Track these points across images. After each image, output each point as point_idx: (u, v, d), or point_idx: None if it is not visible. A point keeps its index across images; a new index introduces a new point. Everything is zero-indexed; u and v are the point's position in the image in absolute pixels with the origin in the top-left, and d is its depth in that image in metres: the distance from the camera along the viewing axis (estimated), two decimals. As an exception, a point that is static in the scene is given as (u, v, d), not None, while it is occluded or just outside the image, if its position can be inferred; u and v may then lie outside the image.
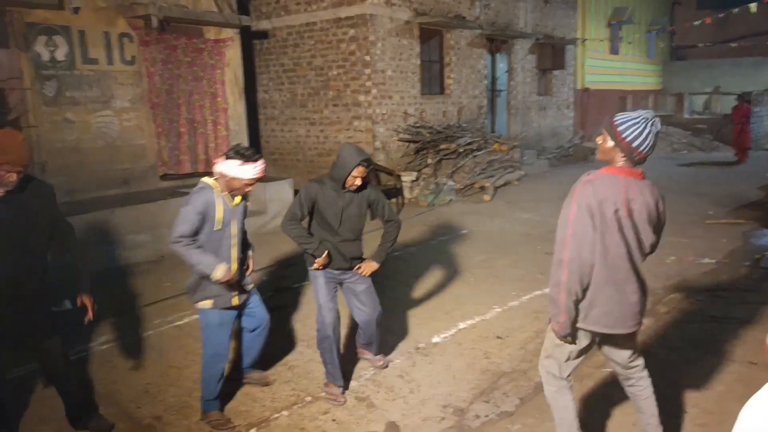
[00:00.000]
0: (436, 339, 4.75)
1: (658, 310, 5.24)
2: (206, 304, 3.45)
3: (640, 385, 2.97)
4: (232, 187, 3.36)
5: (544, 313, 5.31)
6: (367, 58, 10.44)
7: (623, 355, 2.91)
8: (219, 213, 3.35)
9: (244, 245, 3.68)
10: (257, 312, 3.76)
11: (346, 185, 3.66)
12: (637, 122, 2.59)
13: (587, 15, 18.33)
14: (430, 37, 12.03)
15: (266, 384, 4.02)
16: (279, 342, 4.70)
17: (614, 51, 20.05)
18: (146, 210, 7.34)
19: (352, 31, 10.52)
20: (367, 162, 3.60)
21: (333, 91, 11.01)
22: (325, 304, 3.78)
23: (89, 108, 7.72)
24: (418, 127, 11.39)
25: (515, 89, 15.06)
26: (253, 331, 3.80)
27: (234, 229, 3.46)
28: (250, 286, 3.69)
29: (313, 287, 3.87)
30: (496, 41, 14.05)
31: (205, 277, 3.33)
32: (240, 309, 3.64)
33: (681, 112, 21.87)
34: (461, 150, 11.04)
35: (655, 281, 6.06)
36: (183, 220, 3.28)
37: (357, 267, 3.86)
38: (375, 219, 4.00)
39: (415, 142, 11.21)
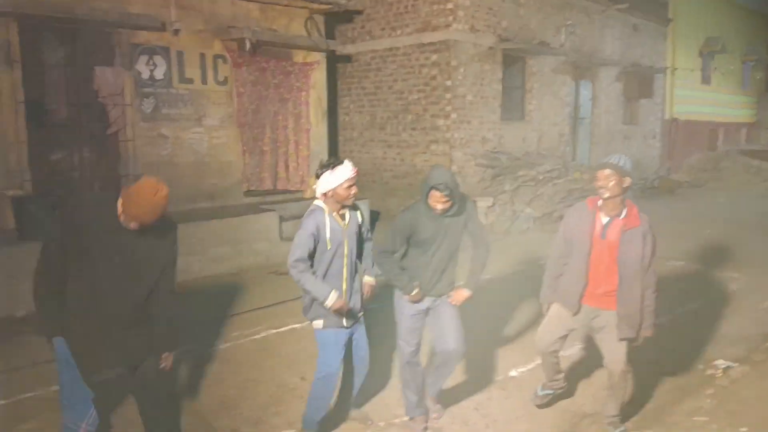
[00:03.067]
0: (513, 373, 4.60)
1: (753, 357, 4.88)
2: (318, 323, 3.47)
3: None
4: (340, 199, 3.38)
5: (631, 352, 5.04)
6: (449, 83, 10.45)
7: None
8: (328, 233, 3.38)
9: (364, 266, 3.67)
10: (361, 341, 3.65)
11: (431, 208, 3.44)
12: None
13: (678, 43, 17.64)
14: (513, 62, 11.91)
15: (369, 423, 3.84)
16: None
17: (706, 81, 19.18)
18: (229, 224, 7.60)
19: (434, 56, 10.58)
20: (442, 187, 3.30)
21: (412, 115, 11.07)
22: (404, 336, 3.65)
23: (183, 125, 8.11)
24: (496, 152, 11.25)
25: (599, 117, 14.64)
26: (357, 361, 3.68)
27: (346, 248, 3.44)
28: (360, 313, 3.61)
29: (396, 314, 3.70)
30: (581, 68, 13.75)
31: (318, 302, 3.36)
32: (351, 330, 3.56)
33: (777, 147, 20.60)
34: (541, 177, 10.80)
35: (750, 327, 5.67)
36: (298, 245, 3.32)
37: (448, 295, 3.65)
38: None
39: (492, 167, 11.07)
